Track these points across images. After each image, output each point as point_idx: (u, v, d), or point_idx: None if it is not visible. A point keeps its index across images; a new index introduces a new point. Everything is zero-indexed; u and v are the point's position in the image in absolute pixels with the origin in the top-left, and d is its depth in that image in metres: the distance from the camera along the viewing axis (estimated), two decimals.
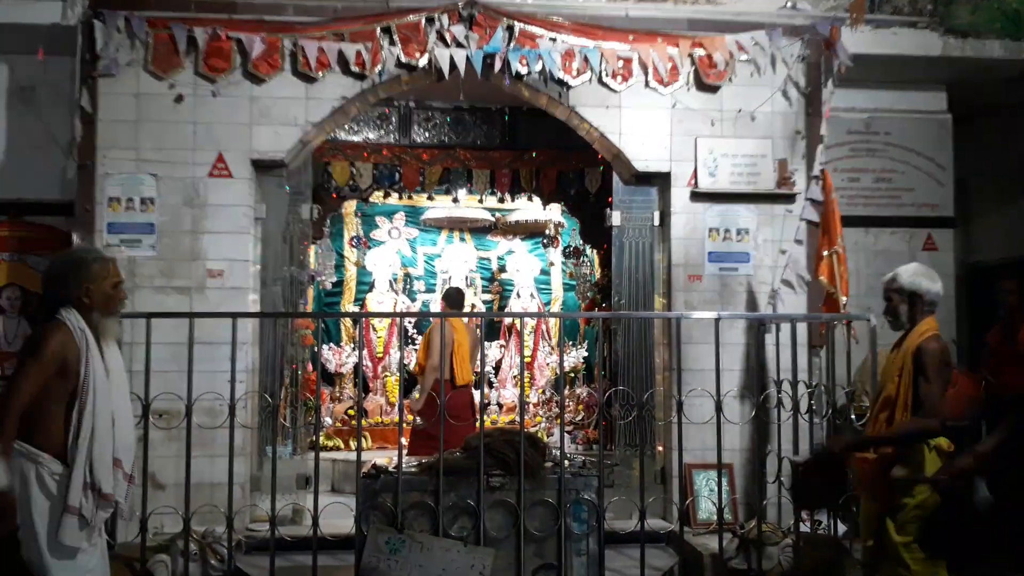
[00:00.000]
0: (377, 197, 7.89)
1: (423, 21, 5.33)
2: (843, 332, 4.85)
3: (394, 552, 3.76)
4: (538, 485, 3.97)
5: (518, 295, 9.36)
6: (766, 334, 4.90)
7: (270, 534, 4.02)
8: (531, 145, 7.45)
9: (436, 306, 8.74)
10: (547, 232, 9.42)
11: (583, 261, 9.05)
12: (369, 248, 9.24)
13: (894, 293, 3.50)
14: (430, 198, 8.78)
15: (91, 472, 2.94)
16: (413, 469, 4.08)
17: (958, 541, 3.23)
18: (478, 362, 6.29)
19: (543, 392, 8.60)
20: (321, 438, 6.13)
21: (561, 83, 5.43)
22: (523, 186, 7.63)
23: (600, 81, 5.44)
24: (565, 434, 4.50)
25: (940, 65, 6.13)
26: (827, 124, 5.59)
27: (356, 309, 8.97)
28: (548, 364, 8.80)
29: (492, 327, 9.06)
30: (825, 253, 5.35)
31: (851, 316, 5.00)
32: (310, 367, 6.79)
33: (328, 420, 7.72)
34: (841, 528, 4.39)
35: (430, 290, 9.26)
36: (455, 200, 8.20)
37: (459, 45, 5.31)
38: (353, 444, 5.41)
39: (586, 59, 5.40)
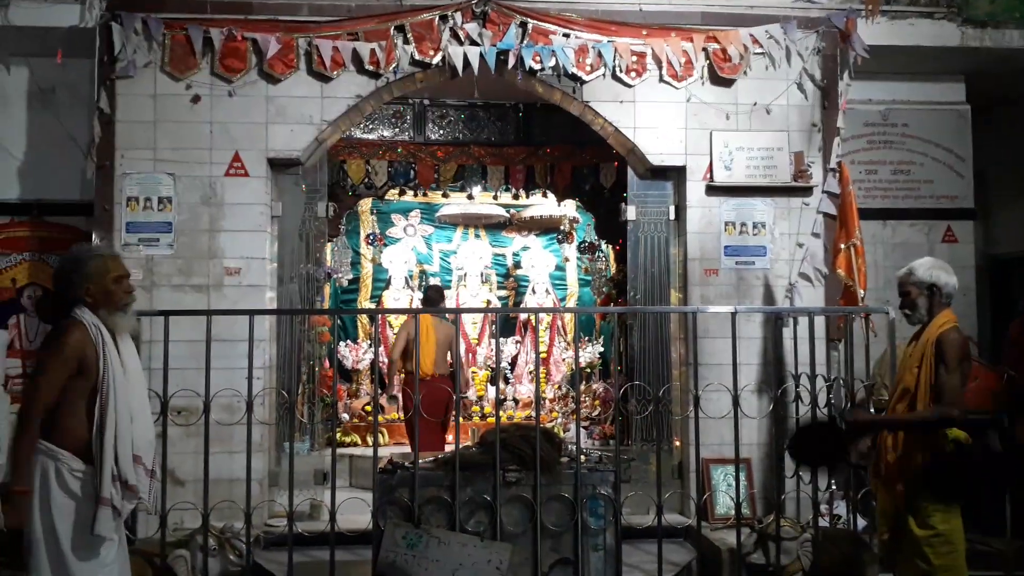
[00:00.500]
0: (392, 194, 7.91)
1: (437, 19, 5.34)
2: (861, 325, 4.82)
3: (411, 547, 3.77)
4: (554, 480, 3.96)
5: (533, 291, 9.36)
6: (783, 328, 4.87)
7: (288, 529, 4.03)
8: (545, 141, 7.43)
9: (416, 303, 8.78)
10: (562, 228, 9.41)
11: (598, 256, 9.03)
12: (385, 245, 9.28)
13: (912, 287, 3.47)
14: (445, 195, 8.79)
15: (116, 465, 2.98)
16: (429, 464, 4.10)
17: (971, 486, 3.31)
18: (450, 357, 6.47)
19: (559, 388, 8.59)
20: (338, 434, 6.20)
21: (575, 78, 5.42)
22: (538, 182, 7.61)
23: (614, 76, 5.43)
24: (581, 429, 4.49)
25: (958, 56, 6.06)
26: (844, 116, 5.57)
27: (372, 306, 9.01)
28: (564, 360, 8.80)
29: (508, 323, 9.07)
30: (843, 246, 5.32)
31: (869, 309, 4.96)
32: (327, 364, 6.84)
33: (345, 416, 7.76)
34: (860, 523, 4.36)
35: (446, 287, 9.29)
36: (470, 197, 8.21)
37: (473, 42, 5.32)
38: (370, 440, 5.43)
39: (600, 54, 5.39)
